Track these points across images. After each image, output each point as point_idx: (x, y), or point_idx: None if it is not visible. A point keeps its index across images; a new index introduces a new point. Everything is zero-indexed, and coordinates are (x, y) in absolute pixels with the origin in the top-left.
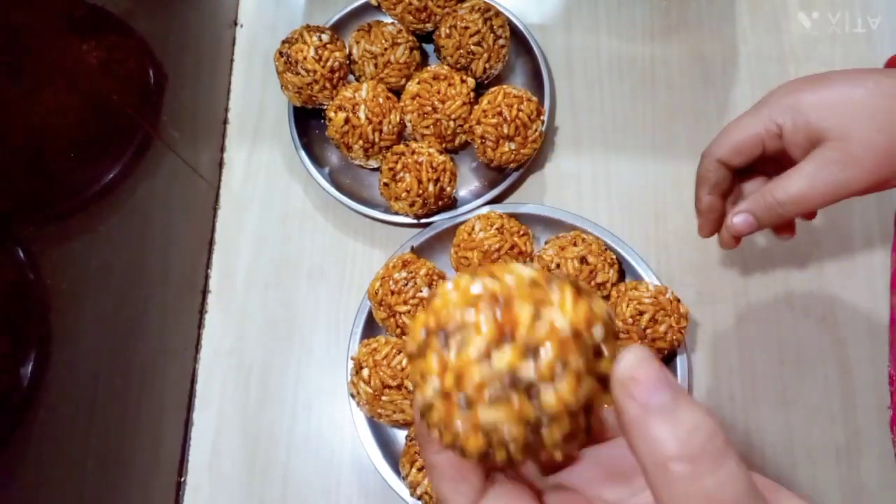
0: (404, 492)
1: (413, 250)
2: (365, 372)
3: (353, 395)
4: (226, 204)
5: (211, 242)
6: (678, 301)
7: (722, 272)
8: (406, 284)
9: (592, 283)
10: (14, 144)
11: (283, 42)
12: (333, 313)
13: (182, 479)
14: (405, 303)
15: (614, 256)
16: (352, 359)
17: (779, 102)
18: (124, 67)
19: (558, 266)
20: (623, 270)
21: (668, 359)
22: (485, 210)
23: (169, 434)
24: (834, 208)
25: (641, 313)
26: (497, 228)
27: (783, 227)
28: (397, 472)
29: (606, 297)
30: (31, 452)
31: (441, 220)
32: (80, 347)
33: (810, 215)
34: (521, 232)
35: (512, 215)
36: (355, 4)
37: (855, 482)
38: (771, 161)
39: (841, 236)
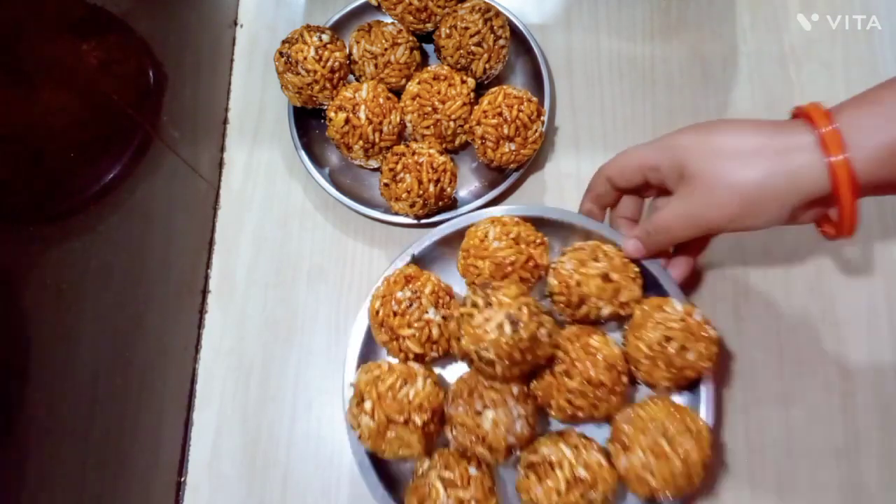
0: None
1: (414, 259)
2: (367, 405)
3: (353, 428)
4: (226, 204)
5: (211, 242)
6: (707, 324)
7: (722, 272)
8: (410, 306)
9: (616, 301)
10: (14, 144)
11: (284, 42)
12: (333, 313)
13: (182, 479)
14: (409, 325)
15: (637, 270)
16: (351, 385)
17: (664, 141)
18: (124, 67)
19: (579, 284)
20: (645, 282)
21: (691, 386)
22: (498, 211)
23: (169, 434)
24: None
25: (669, 339)
26: (513, 238)
27: (662, 254)
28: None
29: (629, 318)
30: (31, 452)
31: (444, 227)
32: (80, 347)
33: (691, 249)
34: (538, 241)
35: (526, 219)
36: (355, 4)
37: (855, 482)
38: (658, 188)
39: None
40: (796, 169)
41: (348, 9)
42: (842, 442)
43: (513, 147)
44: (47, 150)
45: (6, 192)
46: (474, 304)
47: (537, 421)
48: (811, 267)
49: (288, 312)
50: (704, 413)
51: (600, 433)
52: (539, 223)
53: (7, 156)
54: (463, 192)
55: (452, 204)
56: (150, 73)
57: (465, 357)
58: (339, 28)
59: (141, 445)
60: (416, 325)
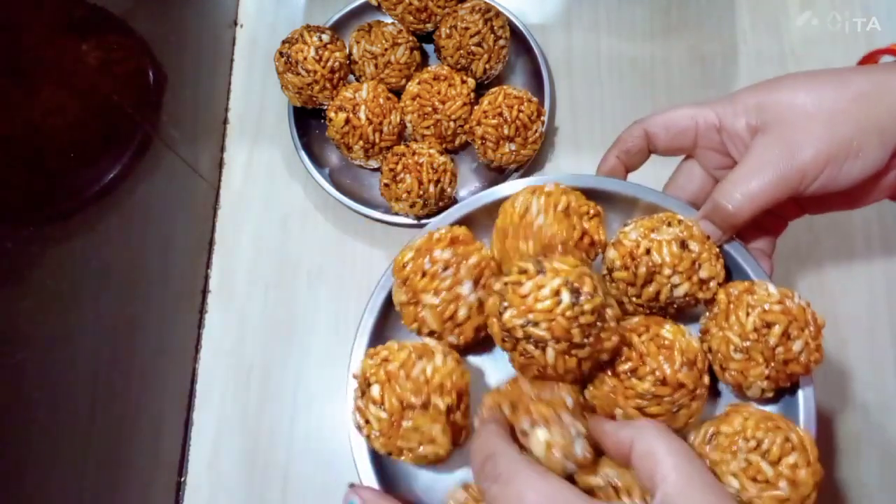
0: None
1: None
2: (375, 390)
3: (359, 428)
4: (226, 204)
5: (211, 242)
6: (810, 307)
7: None
8: (445, 270)
9: (695, 278)
10: (13, 144)
11: (284, 42)
12: (333, 314)
13: (182, 479)
14: (436, 293)
15: (717, 250)
16: (354, 376)
17: (722, 99)
18: (124, 67)
19: (648, 252)
20: (729, 269)
21: (790, 389)
22: (536, 181)
23: (169, 434)
24: None
25: (769, 325)
26: (562, 211)
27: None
28: None
29: (710, 302)
30: (30, 453)
31: (468, 201)
32: (79, 347)
33: (771, 228)
34: (591, 212)
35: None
36: (355, 4)
37: (855, 482)
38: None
39: (841, 235)
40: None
41: (348, 9)
42: (842, 442)
43: (513, 147)
44: (46, 151)
45: (5, 192)
46: (523, 272)
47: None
48: (811, 266)
49: (288, 313)
50: (805, 421)
51: None
52: (588, 196)
53: (6, 156)
54: (463, 193)
55: (453, 204)
56: (150, 73)
57: (507, 338)
58: (339, 28)
59: (141, 445)
60: (443, 294)
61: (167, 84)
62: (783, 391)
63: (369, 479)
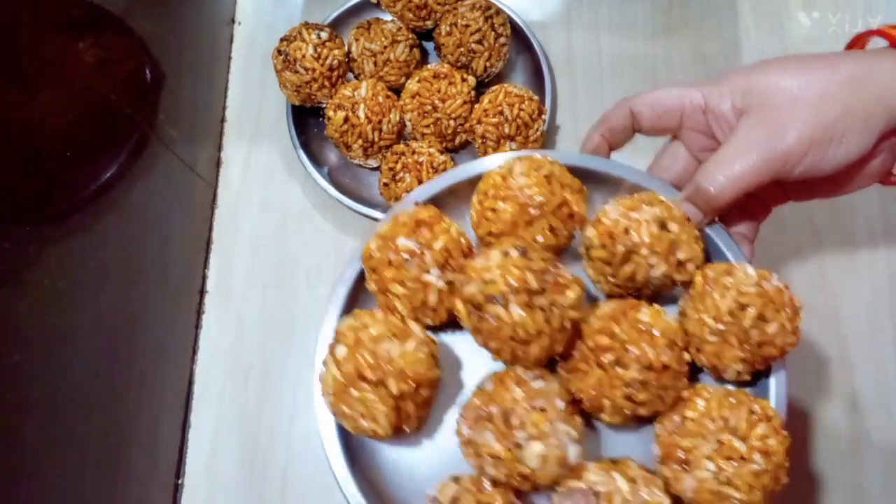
0: None
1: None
2: (340, 350)
3: (320, 380)
4: (224, 203)
5: (209, 242)
6: (788, 289)
7: None
8: (410, 259)
9: (672, 259)
10: (10, 144)
11: (282, 40)
12: None
13: (180, 481)
14: (402, 283)
15: (697, 232)
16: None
17: (708, 80)
18: (121, 66)
19: (626, 232)
20: (709, 252)
21: (765, 372)
22: (523, 153)
23: (167, 435)
24: (835, 204)
25: (744, 307)
26: (545, 176)
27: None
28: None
29: (688, 284)
30: (28, 454)
31: (457, 170)
32: (77, 347)
33: (754, 213)
34: (576, 187)
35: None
36: (354, 1)
37: (856, 484)
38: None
39: (843, 233)
40: (885, 80)
41: (347, 6)
42: (844, 443)
43: (514, 146)
44: (44, 150)
45: (2, 192)
46: (477, 256)
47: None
48: (813, 264)
49: (287, 312)
50: (776, 404)
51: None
52: (576, 175)
53: (4, 155)
54: None
55: None
56: (148, 72)
57: (471, 310)
58: (337, 25)
59: (139, 447)
60: (409, 284)
61: (165, 83)
62: (759, 374)
63: (333, 448)
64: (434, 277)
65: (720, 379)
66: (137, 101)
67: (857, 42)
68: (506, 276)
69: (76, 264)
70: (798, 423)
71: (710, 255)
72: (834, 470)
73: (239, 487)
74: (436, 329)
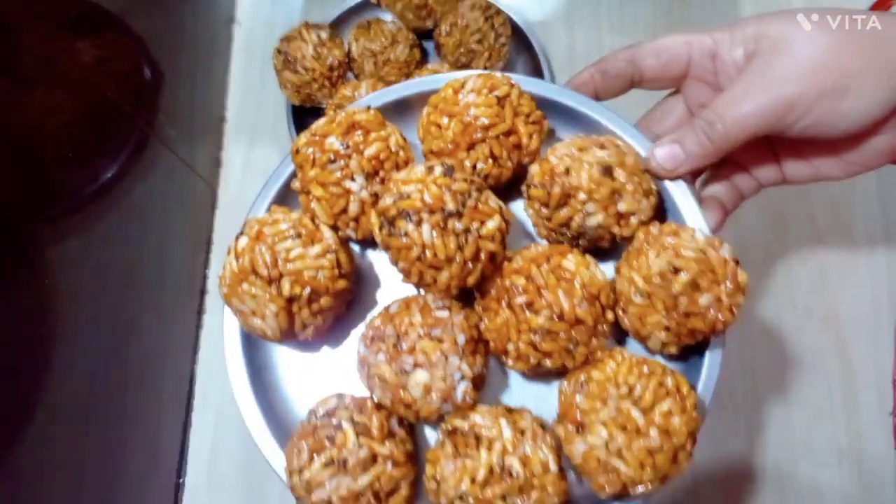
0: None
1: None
2: (242, 241)
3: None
4: (224, 203)
5: (209, 242)
6: (736, 263)
7: None
8: (335, 161)
9: (612, 209)
10: (9, 143)
11: (282, 40)
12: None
13: (181, 480)
14: (323, 185)
15: (654, 186)
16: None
17: (721, 26)
18: (121, 65)
19: (567, 172)
20: (664, 212)
21: (696, 348)
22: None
23: (167, 435)
24: (836, 205)
25: (677, 271)
26: (498, 97)
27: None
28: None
29: (628, 239)
30: (28, 454)
31: (418, 80)
32: (77, 348)
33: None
34: (532, 118)
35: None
36: (354, 1)
37: (856, 483)
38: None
39: (844, 234)
40: None
41: (347, 6)
42: (843, 442)
43: None
44: (43, 150)
45: (2, 192)
46: (404, 170)
47: (486, 380)
48: (814, 265)
49: None
50: (702, 390)
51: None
52: (543, 108)
53: (3, 155)
54: None
55: None
56: (147, 71)
57: (383, 223)
58: (337, 25)
59: (139, 447)
60: (331, 189)
61: (164, 82)
62: (691, 350)
63: (236, 357)
64: (357, 185)
65: (646, 348)
66: (137, 100)
67: (883, 4)
68: (423, 193)
69: (76, 264)
70: (798, 422)
71: (665, 213)
72: (833, 468)
73: (239, 486)
74: (364, 244)
